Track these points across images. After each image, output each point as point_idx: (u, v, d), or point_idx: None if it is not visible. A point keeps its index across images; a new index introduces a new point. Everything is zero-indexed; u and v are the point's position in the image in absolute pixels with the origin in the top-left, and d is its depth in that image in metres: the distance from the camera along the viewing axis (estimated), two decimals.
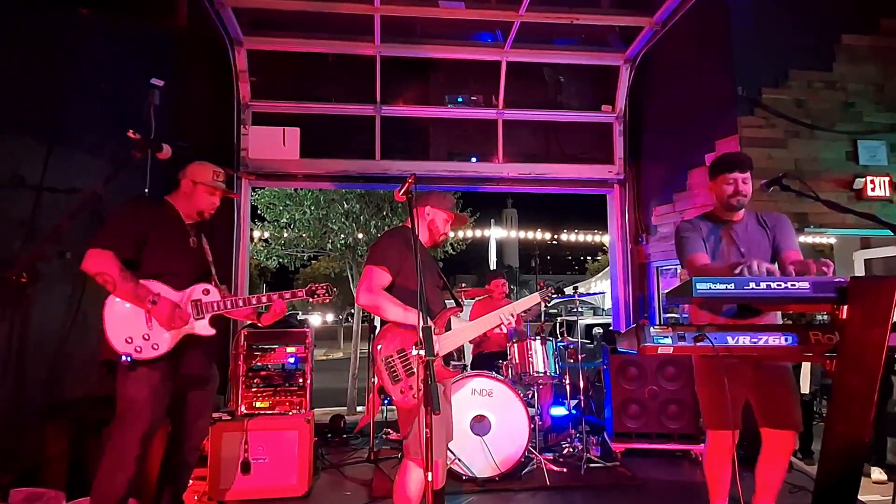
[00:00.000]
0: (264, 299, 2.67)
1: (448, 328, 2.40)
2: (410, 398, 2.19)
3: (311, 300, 2.77)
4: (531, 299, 2.71)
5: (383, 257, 2.33)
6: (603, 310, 16.30)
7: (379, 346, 2.28)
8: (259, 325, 2.80)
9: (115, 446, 2.32)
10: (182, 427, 2.61)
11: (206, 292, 2.55)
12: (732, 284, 1.76)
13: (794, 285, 1.76)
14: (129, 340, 2.32)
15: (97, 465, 2.34)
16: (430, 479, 1.64)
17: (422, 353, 1.75)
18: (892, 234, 2.06)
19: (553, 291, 2.90)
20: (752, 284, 1.76)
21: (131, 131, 2.32)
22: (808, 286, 1.76)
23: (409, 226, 2.25)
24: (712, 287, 1.76)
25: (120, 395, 2.36)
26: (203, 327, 2.52)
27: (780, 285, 1.77)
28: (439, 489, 2.46)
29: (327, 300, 2.77)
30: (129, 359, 2.29)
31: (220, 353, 4.64)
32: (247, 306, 2.62)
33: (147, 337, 2.35)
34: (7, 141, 3.06)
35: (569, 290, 4.73)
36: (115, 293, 2.33)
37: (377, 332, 2.39)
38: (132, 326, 2.35)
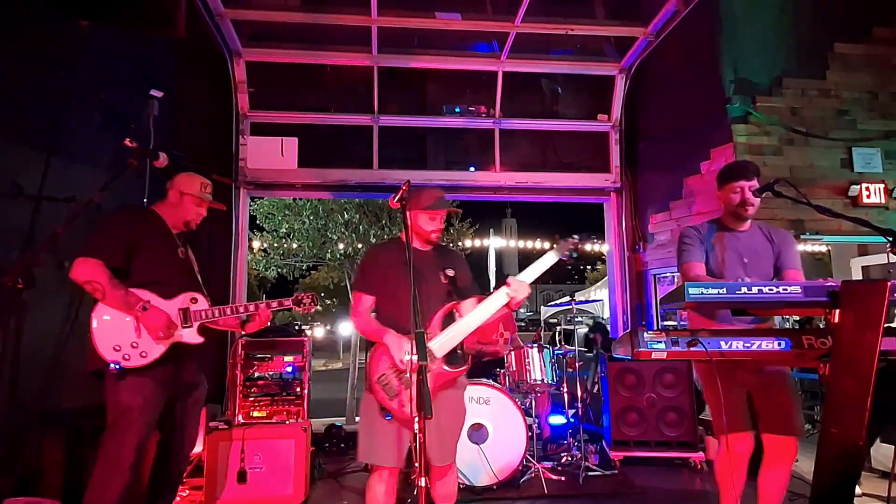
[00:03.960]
0: (252, 308, 2.65)
1: (447, 326, 2.34)
2: (411, 409, 2.16)
3: (297, 309, 2.76)
4: (547, 258, 2.38)
5: (361, 282, 2.41)
6: (602, 318, 16.28)
7: (371, 367, 2.26)
8: (243, 332, 2.80)
9: (109, 455, 2.30)
10: (170, 436, 2.58)
11: (194, 300, 2.53)
12: (724, 289, 1.78)
13: (786, 290, 1.78)
14: (118, 348, 2.31)
15: (91, 475, 2.30)
16: (423, 484, 1.64)
17: (414, 358, 1.75)
18: (884, 240, 2.06)
19: (573, 245, 2.41)
20: (744, 289, 1.78)
21: (128, 140, 2.34)
22: (800, 290, 1.77)
23: (402, 237, 2.24)
24: (704, 292, 1.78)
25: (111, 403, 2.35)
26: (191, 335, 2.50)
27: (771, 290, 1.78)
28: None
29: (311, 309, 2.76)
30: (117, 366, 2.28)
31: (217, 363, 4.65)
32: (234, 315, 2.61)
33: (135, 345, 2.34)
34: (6, 150, 3.08)
35: (566, 299, 4.72)
36: (104, 301, 2.33)
37: (368, 352, 2.37)
38: (120, 334, 2.33)
